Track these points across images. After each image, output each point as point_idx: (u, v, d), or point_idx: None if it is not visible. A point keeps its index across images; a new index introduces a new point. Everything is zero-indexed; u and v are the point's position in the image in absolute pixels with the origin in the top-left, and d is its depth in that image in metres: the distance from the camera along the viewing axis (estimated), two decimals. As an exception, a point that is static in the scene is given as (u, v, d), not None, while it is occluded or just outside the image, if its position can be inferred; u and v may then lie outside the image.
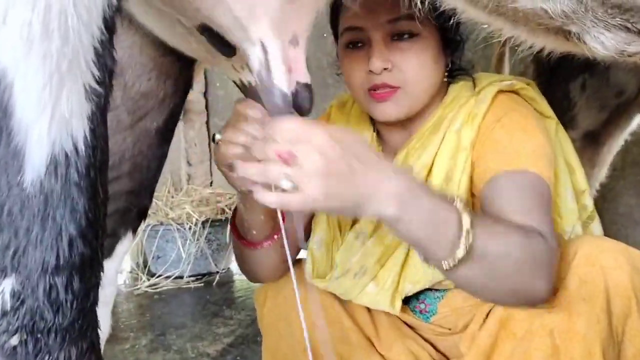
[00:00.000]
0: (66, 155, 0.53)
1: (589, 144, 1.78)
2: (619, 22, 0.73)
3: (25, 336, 0.59)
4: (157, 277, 3.19)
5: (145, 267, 3.30)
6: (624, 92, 1.70)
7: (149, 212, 3.32)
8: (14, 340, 0.59)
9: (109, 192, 0.93)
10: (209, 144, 4.08)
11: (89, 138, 0.54)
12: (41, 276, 0.56)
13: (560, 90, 1.70)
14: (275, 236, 1.17)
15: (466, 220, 0.87)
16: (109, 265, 0.94)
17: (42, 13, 0.48)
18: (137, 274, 3.27)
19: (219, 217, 3.37)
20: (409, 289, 1.17)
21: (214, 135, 0.95)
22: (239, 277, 3.34)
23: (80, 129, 0.53)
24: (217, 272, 3.30)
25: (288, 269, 1.24)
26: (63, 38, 0.49)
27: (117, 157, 0.95)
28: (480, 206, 1.08)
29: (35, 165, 0.52)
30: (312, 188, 0.77)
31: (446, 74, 1.19)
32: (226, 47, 0.81)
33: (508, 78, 1.21)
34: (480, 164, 1.10)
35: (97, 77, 0.53)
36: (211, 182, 4.01)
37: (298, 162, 0.77)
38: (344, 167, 0.80)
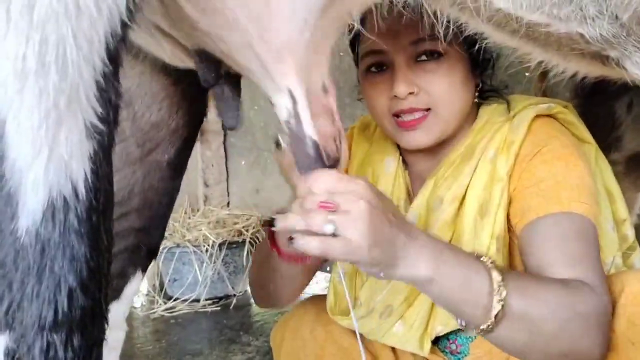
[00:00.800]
0: (65, 200, 0.47)
1: (635, 166, 1.66)
2: (661, 48, 0.67)
3: (21, 398, 0.53)
4: (174, 300, 3.17)
5: (161, 290, 3.28)
6: (675, 111, 1.59)
7: (166, 234, 3.30)
8: (9, 402, 0.53)
9: (116, 231, 0.88)
10: (226, 164, 4.06)
11: (90, 180, 0.48)
12: (38, 333, 0.50)
13: (604, 110, 1.58)
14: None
15: (496, 276, 0.84)
16: (116, 307, 0.89)
17: (38, 45, 0.43)
18: (154, 297, 3.24)
19: (235, 239, 3.34)
20: (439, 330, 1.09)
21: (277, 139, 0.89)
22: (256, 300, 3.29)
23: (80, 170, 0.47)
24: (234, 295, 3.27)
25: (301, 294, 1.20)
26: (61, 72, 0.44)
27: (125, 191, 0.89)
28: (520, 250, 1.01)
29: (30, 211, 0.47)
30: (357, 234, 0.75)
31: (476, 94, 1.13)
32: (212, 76, 0.76)
33: (545, 100, 1.13)
34: (519, 199, 1.03)
35: (99, 114, 0.48)
36: (228, 203, 4.00)
37: (342, 210, 0.76)
38: (385, 217, 0.79)
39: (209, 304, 3.16)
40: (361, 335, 1.15)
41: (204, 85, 0.78)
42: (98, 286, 0.53)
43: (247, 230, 3.38)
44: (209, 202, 3.98)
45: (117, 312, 0.89)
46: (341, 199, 0.76)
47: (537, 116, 1.08)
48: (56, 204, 0.47)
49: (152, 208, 0.92)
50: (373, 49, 1.07)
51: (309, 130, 0.76)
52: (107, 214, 0.52)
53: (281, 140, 0.88)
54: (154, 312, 3.05)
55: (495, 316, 0.83)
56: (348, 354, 1.15)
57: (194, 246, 3.23)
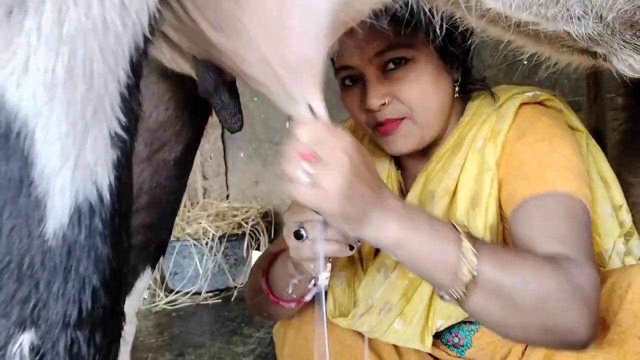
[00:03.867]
0: (90, 205, 0.50)
1: None
2: (646, 46, 0.69)
3: (45, 392, 0.56)
4: (175, 293, 3.22)
5: (162, 283, 3.31)
6: None
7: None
8: (34, 395, 0.56)
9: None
10: (225, 157, 4.07)
11: (114, 186, 0.51)
12: (62, 330, 0.53)
13: None
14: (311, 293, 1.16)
15: (466, 243, 0.83)
16: (128, 303, 0.90)
17: (67, 59, 0.45)
18: (155, 291, 3.27)
19: (235, 231, 3.38)
20: (440, 324, 1.12)
21: (297, 231, 0.92)
22: (257, 293, 3.32)
23: (105, 177, 0.50)
24: (235, 287, 3.31)
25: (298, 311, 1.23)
26: (88, 84, 0.47)
27: (134, 190, 0.91)
28: (512, 234, 1.02)
29: (57, 216, 0.50)
30: (333, 185, 0.76)
31: (457, 89, 1.14)
32: (212, 86, 0.78)
33: (530, 89, 1.15)
34: (507, 186, 1.05)
35: (123, 123, 0.50)
36: (227, 195, 3.99)
37: (321, 160, 0.77)
38: (363, 175, 0.79)
39: (210, 297, 3.20)
40: (355, 338, 1.19)
41: (203, 95, 0.80)
42: (118, 286, 0.55)
43: (246, 223, 3.42)
44: (208, 194, 3.99)
45: (129, 307, 0.91)
46: (324, 151, 0.77)
47: (524, 104, 1.10)
48: (82, 209, 0.50)
49: (160, 205, 0.94)
50: (343, 64, 1.08)
51: None
52: (127, 217, 0.55)
53: (303, 232, 0.90)
54: (156, 306, 3.10)
55: (467, 285, 0.82)
56: (351, 351, 1.18)
57: (194, 239, 3.27)
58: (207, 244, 3.26)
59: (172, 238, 3.35)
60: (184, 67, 0.80)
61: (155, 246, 0.95)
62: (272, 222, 3.58)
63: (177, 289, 3.23)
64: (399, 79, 1.06)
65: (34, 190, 0.48)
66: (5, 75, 0.45)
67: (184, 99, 0.96)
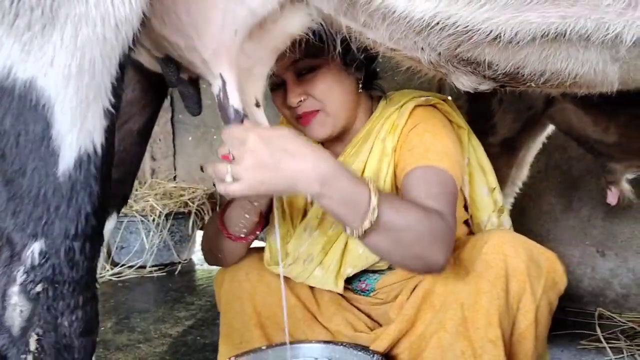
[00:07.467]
0: (88, 156, 0.75)
1: (507, 148, 2.11)
2: (468, 70, 1.00)
3: (46, 285, 0.81)
4: (121, 266, 3.32)
5: (109, 257, 3.40)
6: (533, 106, 2.03)
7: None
8: (38, 288, 0.81)
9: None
10: (173, 140, 4.22)
11: (104, 144, 0.76)
12: (63, 241, 0.78)
13: (484, 104, 2.02)
14: (257, 232, 1.44)
15: (374, 199, 1.08)
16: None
17: (79, 59, 0.71)
18: (101, 263, 3.36)
19: (181, 210, 3.50)
20: (349, 271, 1.42)
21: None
22: (200, 267, 3.51)
23: (99, 138, 0.76)
24: (179, 262, 3.45)
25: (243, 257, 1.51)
26: (91, 76, 0.72)
27: None
28: (400, 194, 1.33)
29: (66, 162, 0.75)
30: (247, 179, 1.01)
31: (360, 85, 1.42)
32: (174, 78, 1.05)
33: (426, 94, 1.45)
34: (400, 162, 1.35)
35: (112, 103, 0.76)
36: (175, 177, 4.14)
37: (236, 160, 1.01)
38: (270, 161, 1.01)
39: (155, 270, 3.31)
40: (288, 278, 1.47)
41: (169, 85, 1.07)
42: (102, 213, 0.81)
43: (192, 202, 3.53)
44: (156, 175, 4.06)
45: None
46: (235, 152, 1.00)
47: (418, 106, 1.40)
48: (83, 158, 0.75)
49: (126, 165, 1.19)
50: (271, 73, 1.34)
51: (234, 101, 1.02)
52: (111, 167, 0.80)
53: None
54: (102, 277, 3.15)
55: (367, 228, 1.06)
56: (274, 292, 1.46)
57: (142, 216, 3.36)
58: (153, 220, 3.37)
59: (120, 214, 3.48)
60: (157, 67, 1.06)
61: (122, 197, 1.21)
62: (217, 202, 3.68)
63: (122, 263, 3.35)
64: (309, 80, 1.35)
65: (52, 144, 0.73)
66: (38, 68, 0.70)
67: (147, 83, 1.22)
